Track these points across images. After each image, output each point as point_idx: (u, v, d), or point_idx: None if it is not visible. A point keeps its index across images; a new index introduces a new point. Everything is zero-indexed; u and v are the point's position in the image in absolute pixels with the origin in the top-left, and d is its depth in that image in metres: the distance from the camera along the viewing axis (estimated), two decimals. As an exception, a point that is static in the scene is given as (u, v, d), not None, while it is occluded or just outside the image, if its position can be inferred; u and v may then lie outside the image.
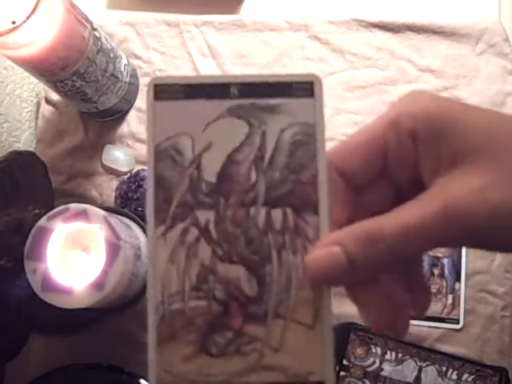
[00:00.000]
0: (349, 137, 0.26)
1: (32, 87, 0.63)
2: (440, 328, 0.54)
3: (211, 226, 0.24)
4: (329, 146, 0.24)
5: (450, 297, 0.55)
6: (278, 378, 0.23)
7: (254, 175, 0.24)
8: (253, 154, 0.24)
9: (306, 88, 0.24)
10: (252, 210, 0.24)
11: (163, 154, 0.24)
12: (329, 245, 0.23)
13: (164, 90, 0.24)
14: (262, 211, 0.24)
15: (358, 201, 0.26)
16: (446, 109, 0.24)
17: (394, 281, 0.26)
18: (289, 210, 0.24)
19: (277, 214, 0.24)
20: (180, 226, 0.24)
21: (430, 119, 0.23)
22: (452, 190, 0.22)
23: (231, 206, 0.24)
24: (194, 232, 0.24)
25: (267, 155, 0.24)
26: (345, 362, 0.53)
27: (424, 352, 0.53)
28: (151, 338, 0.23)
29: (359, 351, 0.53)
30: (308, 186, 0.24)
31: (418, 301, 0.27)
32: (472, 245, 0.23)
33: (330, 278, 0.23)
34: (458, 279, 0.55)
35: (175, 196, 0.24)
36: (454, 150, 0.23)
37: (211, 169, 0.24)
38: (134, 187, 0.57)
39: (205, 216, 0.24)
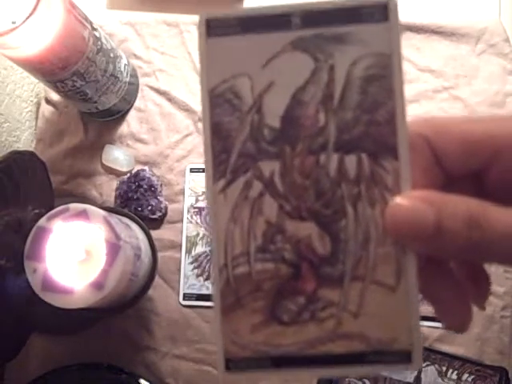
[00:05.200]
0: (459, 119, 0.23)
1: (32, 87, 0.63)
2: (440, 328, 0.54)
3: (277, 178, 0.21)
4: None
5: (450, 297, 0.55)
6: (358, 347, 0.20)
7: (322, 117, 0.21)
8: (320, 92, 0.21)
9: (378, 11, 0.21)
10: (322, 158, 0.21)
11: (219, 98, 0.21)
12: (419, 200, 0.20)
13: (217, 25, 0.21)
14: (334, 158, 0.21)
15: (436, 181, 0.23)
16: None
17: (459, 269, 0.24)
18: (364, 156, 0.21)
19: (350, 160, 0.21)
20: (241, 180, 0.21)
21: None
22: None
23: (298, 154, 0.21)
24: (257, 186, 0.21)
25: (337, 93, 0.21)
26: (345, 362, 0.53)
27: (424, 352, 0.53)
28: (216, 306, 0.21)
29: (359, 351, 0.53)
30: (385, 127, 0.21)
31: (480, 290, 0.25)
32: None
33: (407, 233, 0.20)
34: (458, 279, 0.55)
35: (235, 145, 0.21)
36: None
37: (274, 112, 0.21)
38: (134, 187, 0.57)
39: (269, 167, 0.21)
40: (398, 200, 0.20)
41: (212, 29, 0.21)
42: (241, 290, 0.21)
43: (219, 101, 0.21)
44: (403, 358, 0.20)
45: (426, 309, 0.28)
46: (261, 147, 0.21)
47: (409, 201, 0.20)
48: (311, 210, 0.21)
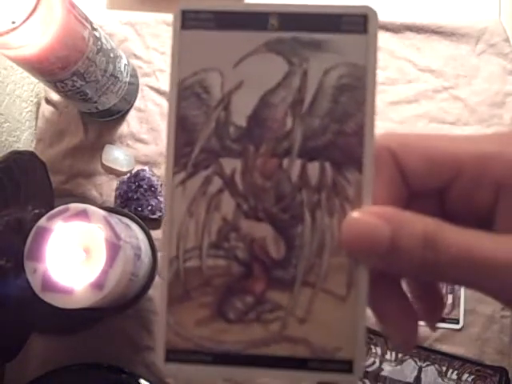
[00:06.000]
0: (424, 135, 0.23)
1: (32, 87, 0.63)
2: (440, 328, 0.54)
3: (237, 177, 0.21)
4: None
5: (450, 297, 0.55)
6: (300, 352, 0.20)
7: (290, 121, 0.21)
8: (291, 96, 0.21)
9: (358, 22, 0.20)
10: (285, 162, 0.21)
11: (188, 91, 0.21)
12: (376, 216, 0.20)
13: (193, 18, 0.21)
14: (297, 163, 0.21)
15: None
16: None
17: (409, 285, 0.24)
18: (327, 165, 0.20)
19: (313, 167, 0.21)
20: (202, 175, 0.21)
21: None
22: None
23: (261, 155, 0.21)
24: (217, 182, 0.21)
25: (307, 99, 0.21)
26: (345, 362, 0.53)
27: (424, 352, 0.53)
28: (162, 296, 0.21)
29: (359, 351, 0.53)
30: (352, 138, 0.20)
31: (433, 309, 0.25)
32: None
33: (362, 248, 0.20)
34: (458, 279, 0.55)
35: (198, 140, 0.21)
36: None
37: (241, 111, 0.21)
38: (134, 187, 0.57)
39: (231, 164, 0.21)
40: (355, 214, 0.20)
41: (187, 21, 0.21)
42: (190, 283, 0.21)
43: (187, 93, 0.21)
44: (345, 367, 0.20)
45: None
46: (224, 144, 0.21)
47: (366, 216, 0.20)
48: (268, 213, 0.21)
